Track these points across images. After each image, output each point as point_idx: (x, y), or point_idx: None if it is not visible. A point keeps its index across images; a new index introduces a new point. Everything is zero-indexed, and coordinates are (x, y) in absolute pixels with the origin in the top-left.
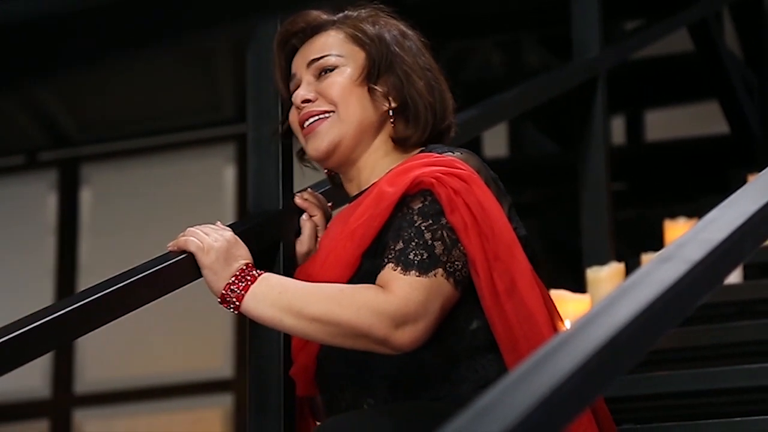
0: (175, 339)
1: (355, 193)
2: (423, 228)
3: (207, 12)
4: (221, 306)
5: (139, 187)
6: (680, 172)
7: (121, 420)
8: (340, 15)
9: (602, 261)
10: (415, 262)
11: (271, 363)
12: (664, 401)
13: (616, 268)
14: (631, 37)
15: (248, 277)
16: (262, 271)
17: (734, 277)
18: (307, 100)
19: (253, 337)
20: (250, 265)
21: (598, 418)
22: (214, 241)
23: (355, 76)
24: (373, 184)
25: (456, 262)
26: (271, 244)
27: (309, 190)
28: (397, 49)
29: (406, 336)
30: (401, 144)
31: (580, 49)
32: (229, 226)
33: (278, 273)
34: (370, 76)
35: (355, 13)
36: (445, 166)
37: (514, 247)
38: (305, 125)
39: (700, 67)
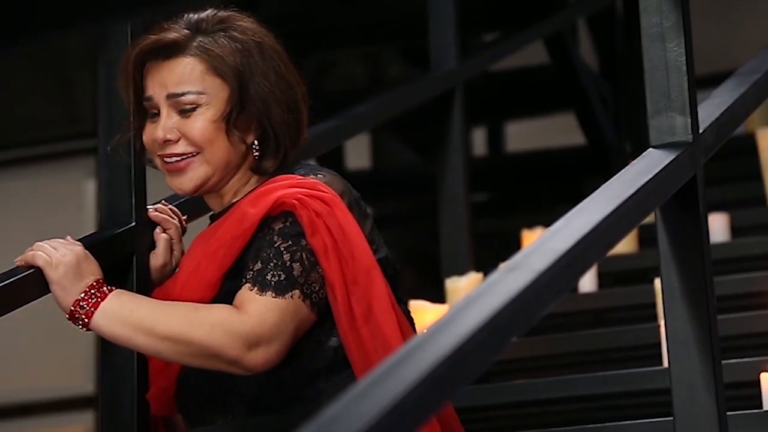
0: (35, 355)
1: (218, 211)
2: (282, 249)
3: (50, 13)
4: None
5: None
6: (539, 183)
7: None
8: (193, 21)
9: (461, 271)
10: (272, 283)
11: (124, 380)
12: (521, 409)
13: (475, 278)
14: (488, 50)
15: (98, 294)
16: (113, 288)
17: (589, 286)
18: (170, 141)
19: (106, 353)
20: (100, 281)
21: (450, 428)
22: (62, 255)
23: (217, 116)
24: (235, 203)
25: (313, 284)
26: (123, 258)
27: (163, 202)
28: (256, 78)
29: (259, 357)
30: (263, 174)
31: (437, 61)
32: (80, 239)
33: (131, 287)
34: (232, 114)
35: (209, 18)
36: (308, 188)
37: (373, 272)
38: (166, 161)
39: (557, 79)
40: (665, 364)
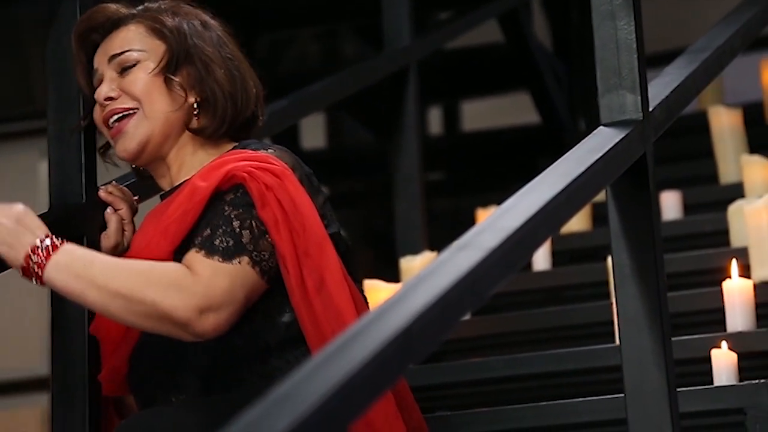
0: None
1: (167, 189)
2: (232, 217)
3: None
4: (29, 282)
5: None
6: (494, 162)
7: None
8: (140, 8)
9: (416, 250)
10: (220, 248)
11: (75, 362)
12: (476, 388)
13: (429, 257)
14: (442, 28)
15: (49, 246)
16: (64, 241)
17: (543, 264)
18: (110, 98)
19: (57, 334)
20: (48, 234)
21: (404, 406)
22: (2, 216)
23: (155, 69)
24: (185, 180)
25: (263, 252)
26: (74, 239)
27: (113, 183)
28: (196, 40)
29: (209, 322)
30: (200, 134)
31: (391, 40)
32: None
33: None
34: (169, 67)
35: (155, 5)
36: (259, 162)
37: (325, 244)
38: (110, 124)
39: (512, 57)
40: (617, 341)
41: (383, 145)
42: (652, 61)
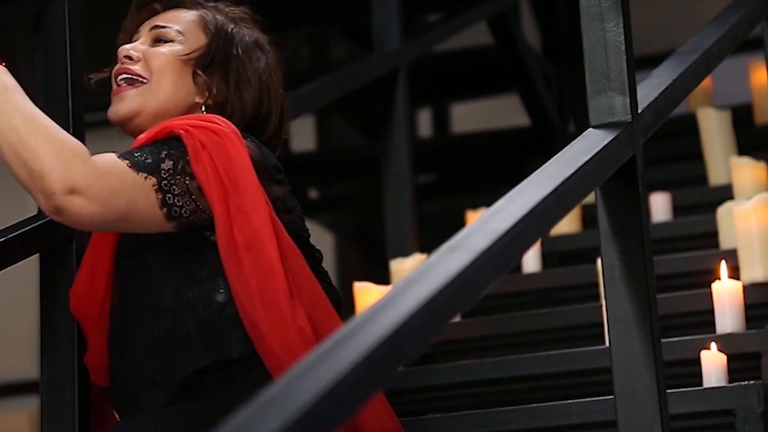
0: None
1: None
2: (163, 149)
3: None
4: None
5: None
6: (484, 164)
7: None
8: (211, 3)
9: (406, 253)
10: (136, 158)
11: (65, 364)
12: (466, 390)
13: (419, 259)
14: (432, 30)
15: None
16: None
17: (533, 266)
18: (129, 57)
19: (46, 336)
20: None
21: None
22: None
23: (183, 53)
24: None
25: (174, 187)
26: (63, 240)
27: None
28: (240, 54)
29: (74, 204)
30: None
31: (380, 41)
32: (18, 223)
33: (71, 269)
34: (199, 61)
35: (224, 7)
36: (201, 121)
37: (258, 203)
38: (118, 81)
39: (501, 59)
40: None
41: (373, 148)
42: (640, 63)
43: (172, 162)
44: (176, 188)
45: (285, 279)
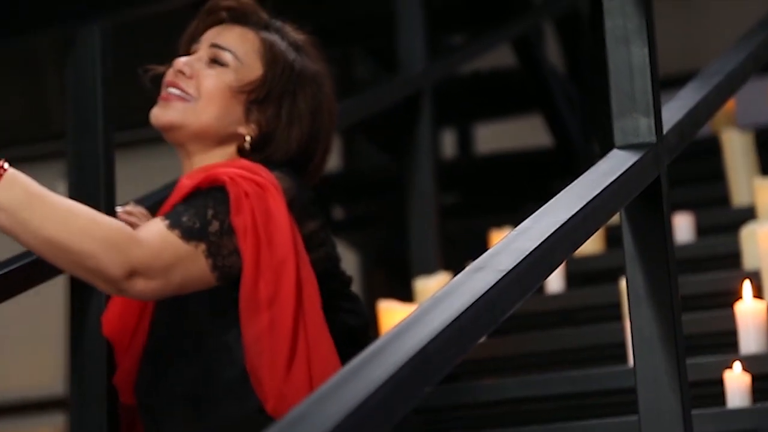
0: (4, 357)
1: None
2: (209, 206)
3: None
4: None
5: None
6: (508, 184)
7: None
8: (278, 23)
9: (430, 271)
10: (185, 225)
11: (93, 381)
12: (490, 409)
13: (444, 278)
14: (456, 52)
15: None
16: (6, 167)
17: (556, 286)
18: (182, 72)
19: (75, 354)
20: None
21: None
22: None
23: (234, 83)
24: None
25: (223, 249)
26: None
27: (132, 203)
28: (297, 89)
29: (137, 286)
30: (238, 153)
31: (405, 63)
32: None
33: (100, 293)
34: (252, 94)
35: (292, 32)
36: (246, 170)
37: (288, 263)
38: (167, 89)
39: (525, 81)
40: (631, 363)
41: (398, 168)
42: (664, 84)
43: (218, 222)
44: (224, 249)
45: (294, 342)
